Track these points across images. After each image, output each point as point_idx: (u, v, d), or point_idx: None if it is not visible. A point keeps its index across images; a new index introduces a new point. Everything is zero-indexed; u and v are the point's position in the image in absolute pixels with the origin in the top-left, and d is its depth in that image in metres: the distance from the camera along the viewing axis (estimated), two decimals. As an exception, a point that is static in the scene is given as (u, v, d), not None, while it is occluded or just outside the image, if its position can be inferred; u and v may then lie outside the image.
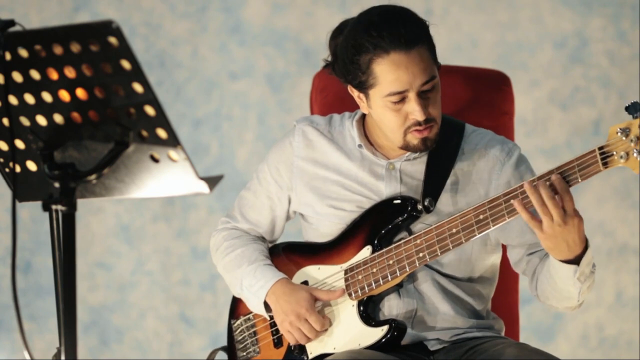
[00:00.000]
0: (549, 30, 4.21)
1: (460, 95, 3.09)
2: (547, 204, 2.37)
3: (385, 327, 2.59)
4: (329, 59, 2.69)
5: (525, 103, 4.18)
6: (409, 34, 2.51)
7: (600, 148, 2.35)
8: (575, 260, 2.45)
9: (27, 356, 2.01)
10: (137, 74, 1.89)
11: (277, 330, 2.74)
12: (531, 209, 2.41)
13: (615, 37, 4.19)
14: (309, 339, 2.65)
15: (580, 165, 2.37)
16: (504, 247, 2.75)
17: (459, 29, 4.25)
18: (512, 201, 2.42)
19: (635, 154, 2.32)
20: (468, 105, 3.06)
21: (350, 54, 2.57)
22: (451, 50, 4.23)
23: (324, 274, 2.69)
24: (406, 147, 2.62)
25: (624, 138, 2.33)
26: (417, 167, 2.67)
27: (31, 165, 2.08)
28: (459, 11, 4.25)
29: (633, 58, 4.17)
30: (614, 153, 2.33)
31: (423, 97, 2.54)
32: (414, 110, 2.54)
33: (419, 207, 2.61)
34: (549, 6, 4.22)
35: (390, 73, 2.52)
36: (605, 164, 2.35)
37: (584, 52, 4.21)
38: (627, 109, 2.33)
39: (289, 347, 2.71)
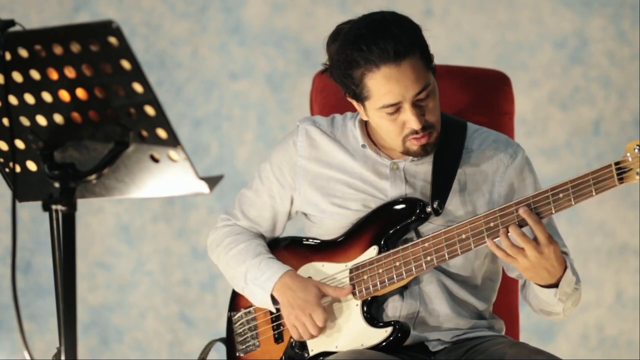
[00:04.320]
0: (549, 30, 4.21)
1: (460, 95, 3.08)
2: (518, 244, 2.44)
3: (390, 329, 2.59)
4: (328, 63, 2.69)
5: (525, 103, 4.18)
6: (398, 46, 2.50)
7: (617, 163, 2.35)
8: (557, 282, 2.51)
9: (27, 356, 2.01)
10: (137, 74, 1.89)
11: (278, 325, 2.73)
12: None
13: (615, 37, 4.19)
14: (311, 335, 2.65)
15: (595, 179, 2.38)
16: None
17: (459, 29, 4.25)
18: (486, 240, 2.47)
19: None
20: (468, 105, 3.06)
21: (344, 68, 2.57)
22: (451, 50, 4.23)
23: (328, 271, 2.69)
24: (407, 153, 2.62)
25: None
26: (421, 167, 2.67)
27: (31, 165, 2.08)
28: (459, 11, 4.25)
29: (633, 58, 4.17)
30: (631, 169, 2.34)
31: (418, 105, 2.54)
32: (409, 119, 2.54)
33: (428, 209, 2.61)
34: (549, 6, 4.22)
35: (382, 87, 2.52)
36: (621, 180, 2.36)
37: (584, 52, 4.21)
38: None
39: (290, 343, 2.71)
